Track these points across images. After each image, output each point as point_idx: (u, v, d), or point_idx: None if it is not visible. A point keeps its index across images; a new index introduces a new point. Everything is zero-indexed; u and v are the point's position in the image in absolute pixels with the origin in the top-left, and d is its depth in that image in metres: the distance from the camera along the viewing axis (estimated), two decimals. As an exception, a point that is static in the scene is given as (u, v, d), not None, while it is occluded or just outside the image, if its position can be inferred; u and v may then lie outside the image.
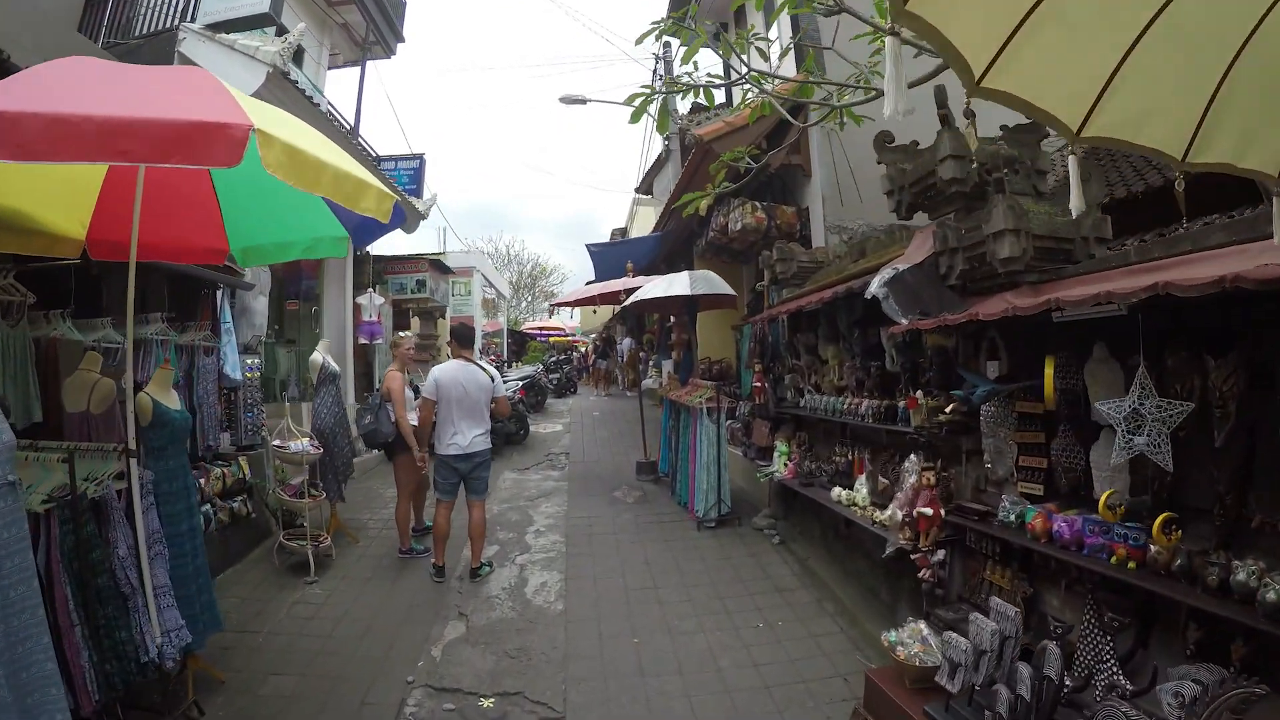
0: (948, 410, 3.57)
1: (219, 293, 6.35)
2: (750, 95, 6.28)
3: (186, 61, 7.18)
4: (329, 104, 12.29)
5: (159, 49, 7.47)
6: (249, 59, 7.30)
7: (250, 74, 7.30)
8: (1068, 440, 3.33)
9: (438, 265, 15.30)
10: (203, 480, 5.56)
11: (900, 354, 4.55)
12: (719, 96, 10.13)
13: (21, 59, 4.27)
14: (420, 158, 14.64)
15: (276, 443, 6.20)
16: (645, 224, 16.59)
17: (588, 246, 12.04)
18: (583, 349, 28.15)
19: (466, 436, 5.57)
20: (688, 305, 8.51)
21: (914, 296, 3.74)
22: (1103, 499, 2.79)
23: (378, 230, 3.95)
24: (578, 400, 17.76)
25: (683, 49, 5.45)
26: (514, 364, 24.26)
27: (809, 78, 5.43)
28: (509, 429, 11.01)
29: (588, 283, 11.61)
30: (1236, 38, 1.58)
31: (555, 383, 18.60)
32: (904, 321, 3.66)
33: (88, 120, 2.33)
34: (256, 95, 6.16)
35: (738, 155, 5.94)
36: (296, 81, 8.02)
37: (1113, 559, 2.98)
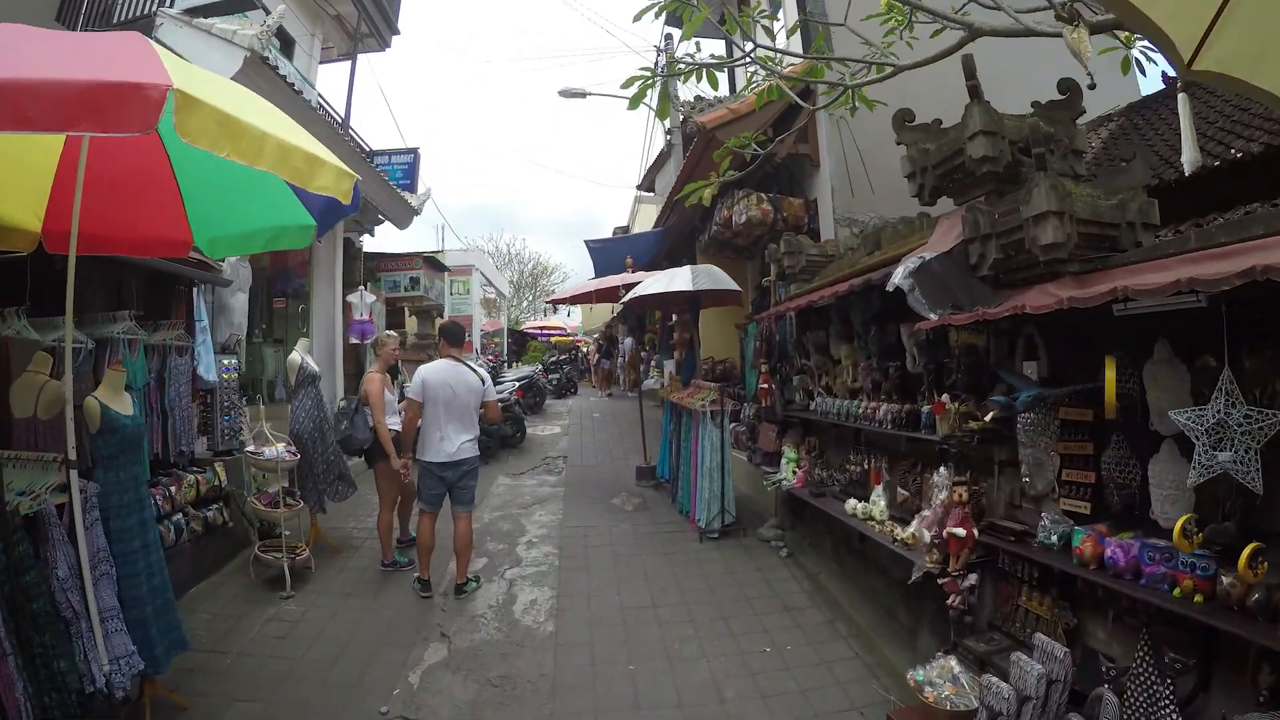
0: (985, 418, 3.15)
1: (194, 290, 6.00)
2: (756, 78, 5.87)
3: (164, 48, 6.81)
4: (319, 96, 11.93)
5: (137, 35, 7.10)
6: (226, 43, 6.92)
7: (228, 58, 6.92)
8: (1122, 452, 2.92)
9: (432, 262, 14.95)
10: (174, 488, 5.24)
11: (923, 353, 4.14)
12: (722, 82, 9.71)
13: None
14: (414, 152, 14.32)
15: (251, 448, 5.83)
16: (647, 222, 16.20)
17: (587, 242, 11.64)
18: (585, 349, 27.70)
19: (454, 442, 5.18)
20: (690, 302, 8.10)
21: (942, 288, 3.33)
22: (1178, 525, 2.37)
23: (338, 213, 3.57)
24: (578, 401, 17.35)
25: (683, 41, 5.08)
26: (513, 364, 23.88)
27: (819, 56, 5.01)
28: (505, 432, 10.63)
29: (590, 280, 11.23)
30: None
31: (555, 383, 18.21)
32: (933, 317, 3.25)
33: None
34: (234, 80, 5.84)
35: (743, 141, 5.53)
36: (278, 67, 7.63)
37: (1175, 591, 2.58)
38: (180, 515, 5.26)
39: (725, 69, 7.26)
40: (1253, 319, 2.36)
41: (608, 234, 19.14)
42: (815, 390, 6.03)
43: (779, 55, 7.58)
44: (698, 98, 11.27)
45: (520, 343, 30.84)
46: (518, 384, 13.03)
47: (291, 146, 2.64)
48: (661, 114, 5.93)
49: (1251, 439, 2.17)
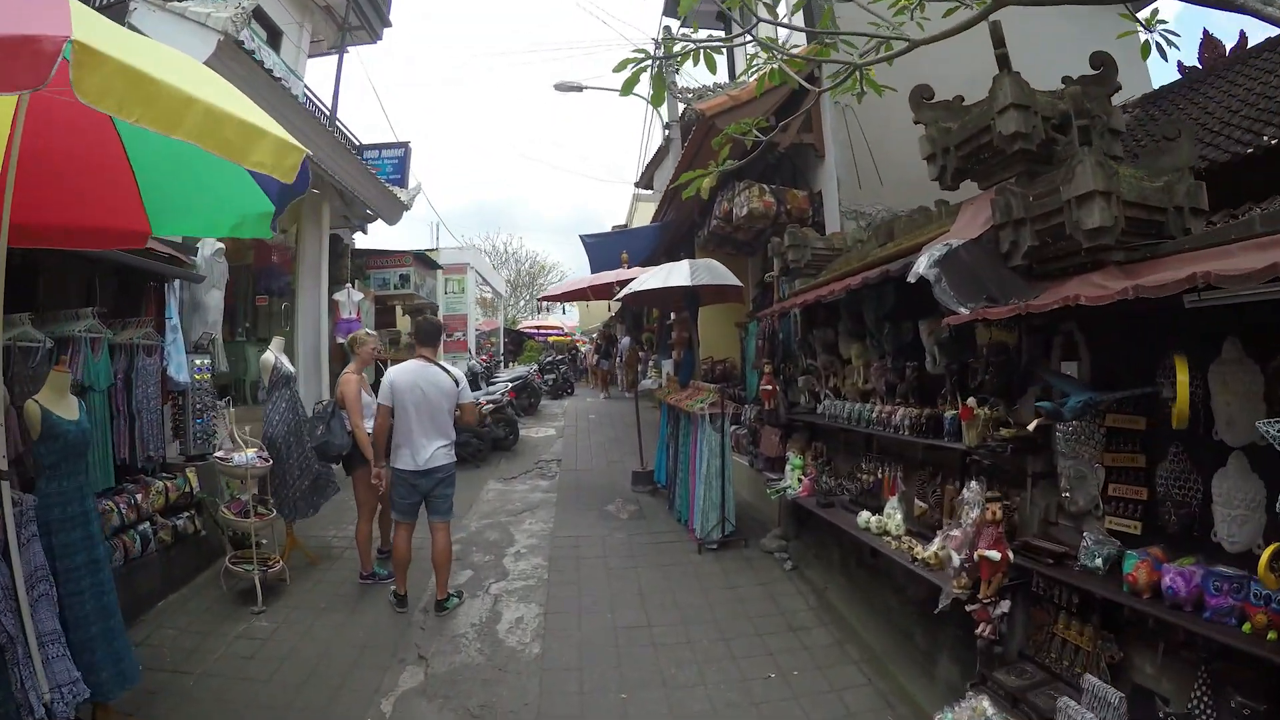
0: (1029, 425, 2.77)
1: (165, 286, 5.68)
2: (757, 61, 5.51)
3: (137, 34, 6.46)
4: (306, 89, 11.59)
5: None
6: (200, 26, 6.54)
7: (201, 42, 6.54)
8: (1180, 465, 2.56)
9: (423, 259, 14.58)
10: (140, 495, 4.92)
11: (945, 353, 3.78)
12: (722, 68, 9.34)
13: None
14: (405, 146, 13.98)
15: (219, 454, 5.47)
16: (645, 220, 15.86)
17: (582, 237, 11.28)
18: (583, 348, 27.33)
19: (425, 449, 4.81)
20: (688, 299, 7.73)
21: (972, 279, 2.97)
22: (1265, 555, 2.01)
23: (289, 194, 3.24)
24: (574, 402, 16.98)
25: (682, 30, 4.73)
26: (509, 364, 23.55)
27: (825, 31, 4.64)
28: (497, 434, 10.29)
29: (584, 277, 10.86)
30: None
31: (550, 384, 17.87)
32: (963, 311, 2.88)
33: None
34: (207, 65, 5.53)
35: (744, 128, 5.17)
36: (254, 52, 7.26)
37: (1245, 626, 2.24)
38: (147, 524, 4.94)
39: (724, 49, 6.91)
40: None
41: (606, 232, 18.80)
42: (822, 392, 5.67)
43: (784, 34, 7.22)
44: (700, 87, 10.89)
45: (517, 342, 30.54)
46: (511, 385, 12.70)
47: (223, 114, 2.30)
48: (656, 100, 5.57)
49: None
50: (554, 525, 6.95)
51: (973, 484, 3.04)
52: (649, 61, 4.47)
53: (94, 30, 2.03)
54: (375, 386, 5.46)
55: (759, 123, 5.34)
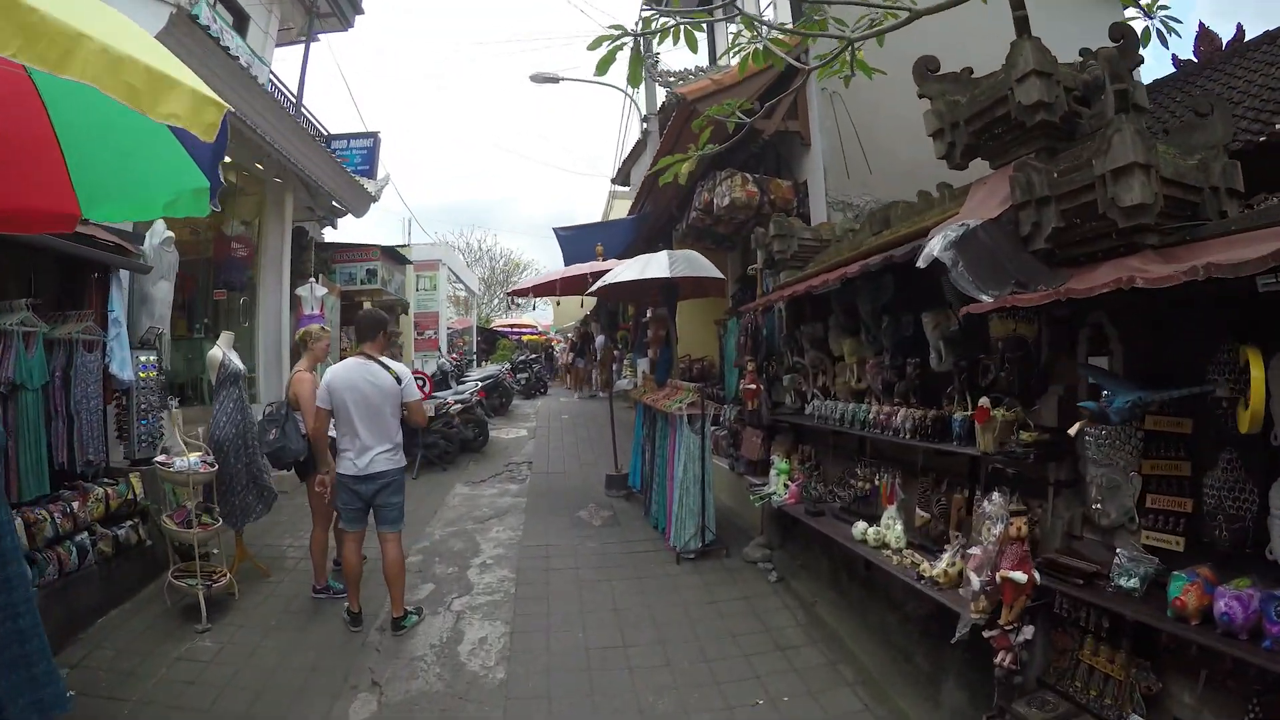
0: (1070, 430, 2.43)
1: (110, 276, 5.19)
2: (741, 39, 5.16)
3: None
4: (272, 75, 11.08)
5: None
6: None
7: (153, 15, 6.05)
8: (1233, 474, 2.25)
9: (391, 253, 14.05)
10: (77, 503, 4.50)
11: (952, 348, 3.45)
12: (703, 50, 9.01)
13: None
14: (375, 136, 13.51)
15: (161, 458, 5.00)
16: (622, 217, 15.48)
17: (556, 230, 10.82)
18: (557, 347, 26.81)
19: (365, 453, 4.40)
20: (666, 293, 7.35)
21: (993, 264, 2.63)
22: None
23: (213, 157, 2.86)
24: (547, 402, 16.54)
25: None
26: (482, 363, 23.05)
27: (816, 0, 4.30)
28: (466, 435, 9.83)
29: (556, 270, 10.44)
30: None
31: (523, 383, 17.41)
32: (986, 298, 2.55)
33: None
34: (159, 39, 5.09)
35: (726, 109, 4.82)
36: (209, 27, 6.75)
37: (1313, 658, 1.93)
38: (85, 535, 4.52)
39: (705, 26, 6.56)
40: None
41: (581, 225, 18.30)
42: (810, 391, 5.33)
43: (770, 13, 6.88)
44: (681, 70, 10.51)
45: (490, 341, 30.02)
46: (481, 384, 12.27)
47: (124, 56, 1.97)
48: (633, 80, 5.15)
49: None
50: (523, 533, 6.54)
51: (995, 496, 2.70)
52: (626, 39, 4.09)
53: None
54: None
55: (743, 104, 4.98)
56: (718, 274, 6.67)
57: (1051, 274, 2.74)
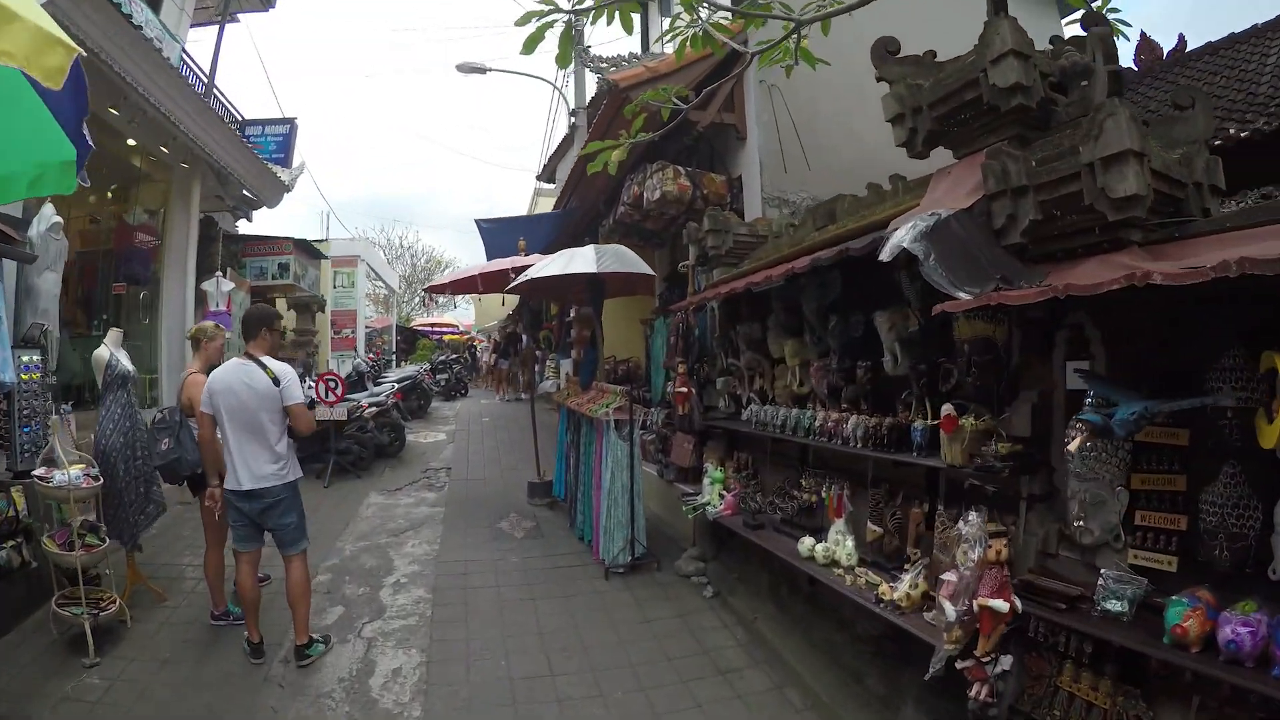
0: (1069, 445, 2.18)
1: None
2: (680, 22, 4.84)
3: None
4: (184, 53, 10.14)
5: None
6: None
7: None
8: (1235, 488, 2.06)
9: (305, 247, 13.18)
10: None
11: (908, 351, 3.21)
12: (636, 35, 8.67)
13: None
14: (291, 123, 12.79)
15: (39, 471, 4.30)
16: (548, 213, 14.99)
17: (478, 222, 10.25)
18: (480, 347, 25.93)
19: (247, 466, 3.89)
20: (592, 290, 6.97)
21: (968, 257, 2.38)
22: None
23: (71, 118, 2.36)
24: (467, 404, 15.89)
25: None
26: (401, 363, 22.09)
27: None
28: (381, 439, 9.19)
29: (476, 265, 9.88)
30: None
31: (442, 384, 16.69)
32: (962, 295, 2.29)
33: None
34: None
35: (661, 95, 4.49)
36: (121, 5, 5.95)
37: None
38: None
39: (640, 10, 6.22)
40: None
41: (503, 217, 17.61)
42: (746, 395, 5.06)
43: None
44: (614, 56, 10.13)
45: (410, 341, 28.95)
46: (398, 385, 11.61)
47: None
48: (562, 59, 4.75)
49: None
50: (440, 547, 6.03)
51: (972, 516, 2.44)
52: (557, 15, 3.70)
53: None
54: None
55: (679, 91, 4.66)
56: (648, 270, 6.34)
57: (1027, 271, 2.52)
